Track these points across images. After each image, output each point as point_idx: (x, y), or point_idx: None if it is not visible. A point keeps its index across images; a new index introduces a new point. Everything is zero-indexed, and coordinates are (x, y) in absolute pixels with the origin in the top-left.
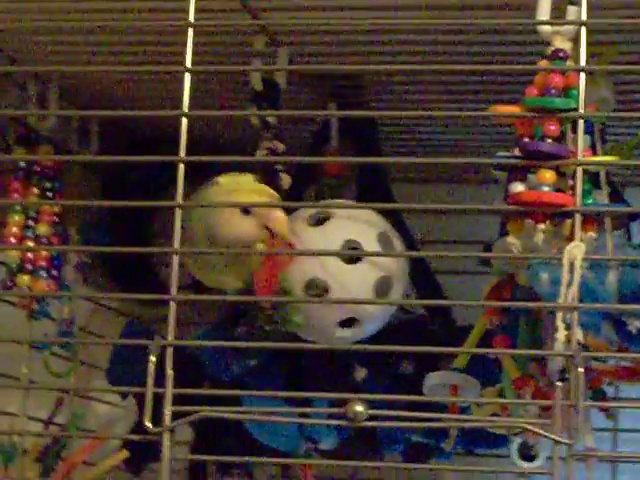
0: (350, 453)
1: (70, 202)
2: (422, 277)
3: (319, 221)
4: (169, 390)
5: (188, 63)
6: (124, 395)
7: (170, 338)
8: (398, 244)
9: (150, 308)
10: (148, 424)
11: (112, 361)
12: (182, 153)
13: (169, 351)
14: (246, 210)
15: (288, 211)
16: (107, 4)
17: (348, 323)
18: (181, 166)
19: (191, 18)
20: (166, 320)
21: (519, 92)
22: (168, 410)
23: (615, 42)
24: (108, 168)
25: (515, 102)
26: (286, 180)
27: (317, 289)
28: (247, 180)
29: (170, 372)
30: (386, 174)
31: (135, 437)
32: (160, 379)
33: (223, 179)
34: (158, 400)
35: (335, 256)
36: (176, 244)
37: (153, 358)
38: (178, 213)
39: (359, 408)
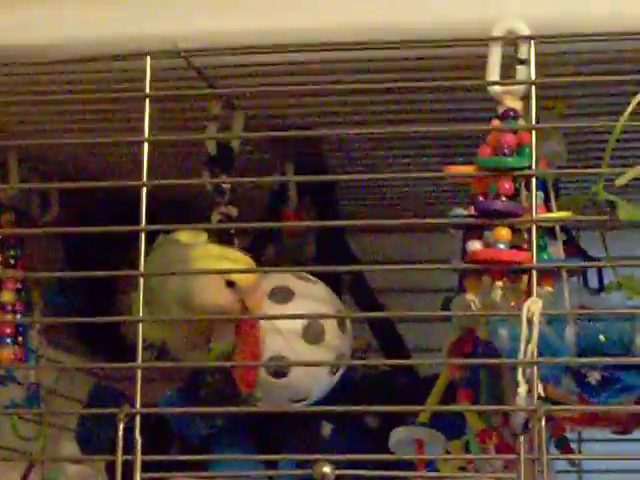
0: None
1: (38, 274)
2: (383, 330)
3: (280, 298)
4: (138, 457)
5: (146, 133)
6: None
7: (138, 406)
8: (349, 321)
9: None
10: None
11: (80, 423)
12: (143, 223)
13: (137, 420)
14: (231, 283)
15: None
16: (64, 76)
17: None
18: (142, 235)
19: (147, 89)
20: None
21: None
22: (138, 477)
23: (564, 96)
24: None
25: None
26: (236, 243)
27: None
28: (222, 248)
29: (139, 439)
30: (344, 231)
31: None
32: (130, 443)
33: (183, 237)
34: (128, 465)
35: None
36: (141, 313)
37: (121, 426)
38: (141, 282)
39: (326, 469)
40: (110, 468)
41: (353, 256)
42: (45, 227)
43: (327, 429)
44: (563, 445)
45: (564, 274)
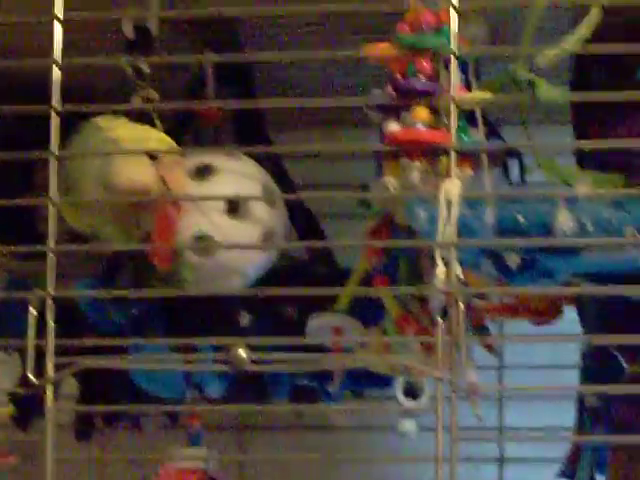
0: (237, 400)
1: None
2: (303, 221)
3: (203, 175)
4: (51, 342)
5: (58, 12)
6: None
7: (50, 290)
8: (279, 198)
9: (29, 262)
10: (31, 377)
11: None
12: (55, 103)
13: (49, 303)
14: (153, 156)
15: None
16: None
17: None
18: (55, 116)
19: None
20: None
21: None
22: (50, 362)
23: None
24: None
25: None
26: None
27: (204, 243)
28: (145, 129)
29: (51, 324)
30: (262, 120)
31: (18, 391)
32: (42, 332)
33: (103, 122)
34: (42, 354)
35: (222, 212)
36: (52, 194)
37: (33, 310)
38: (53, 164)
39: (242, 352)
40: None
41: (271, 145)
42: None
43: (245, 319)
44: (483, 336)
45: (485, 161)
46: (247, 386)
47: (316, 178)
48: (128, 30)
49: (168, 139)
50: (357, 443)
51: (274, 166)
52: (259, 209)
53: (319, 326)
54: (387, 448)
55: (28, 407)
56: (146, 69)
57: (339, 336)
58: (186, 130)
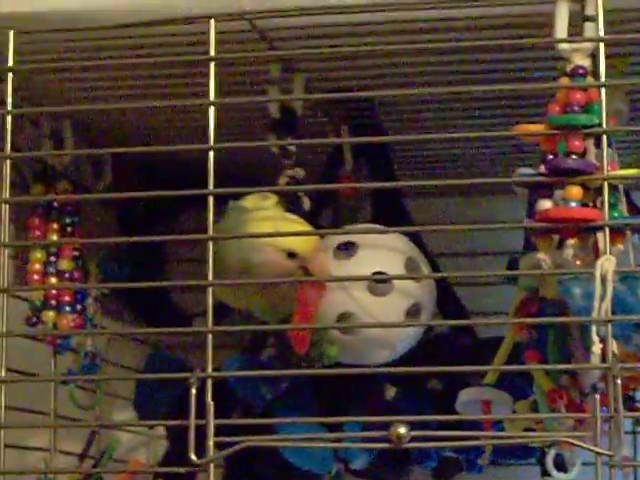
0: (379, 470)
1: (95, 240)
2: (442, 294)
3: (345, 252)
4: (211, 421)
5: (212, 96)
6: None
7: (209, 370)
8: (425, 267)
9: (169, 335)
10: (193, 456)
11: (138, 392)
12: (211, 186)
13: (208, 383)
14: (291, 254)
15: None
16: (124, 41)
17: None
18: (210, 198)
19: (212, 52)
20: (185, 347)
21: (529, 110)
22: (211, 441)
23: (627, 53)
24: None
25: (527, 120)
26: (307, 203)
27: (348, 322)
28: (280, 213)
29: (211, 403)
30: (400, 191)
31: (181, 469)
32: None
33: (249, 203)
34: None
35: (365, 290)
36: (210, 277)
37: (194, 391)
38: (210, 245)
39: (402, 430)
40: (173, 433)
41: (410, 219)
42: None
43: (391, 392)
44: (629, 405)
45: (628, 233)
46: (391, 458)
47: (453, 246)
48: (274, 111)
49: (301, 221)
50: None
51: (413, 240)
52: (402, 282)
53: (469, 400)
54: None
55: None
56: (292, 149)
57: (489, 410)
58: (325, 204)
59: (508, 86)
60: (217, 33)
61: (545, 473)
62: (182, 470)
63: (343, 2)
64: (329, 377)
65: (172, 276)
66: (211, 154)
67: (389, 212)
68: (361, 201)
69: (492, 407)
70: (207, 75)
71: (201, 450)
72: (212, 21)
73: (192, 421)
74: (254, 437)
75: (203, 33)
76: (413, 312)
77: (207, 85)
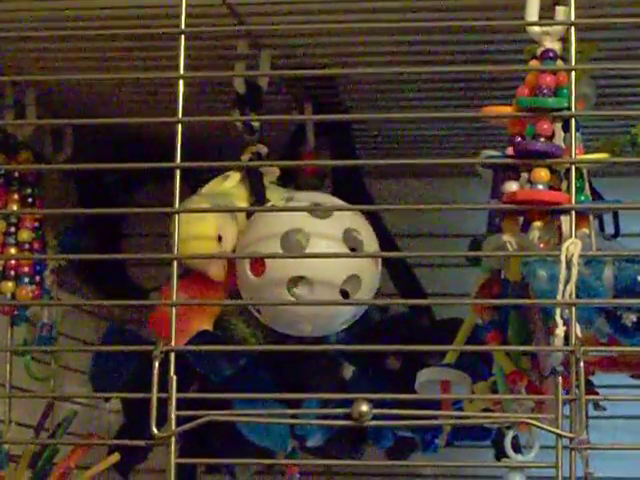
0: (334, 449)
1: (57, 210)
2: (399, 272)
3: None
4: (173, 395)
5: (181, 70)
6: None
7: (173, 343)
8: (368, 238)
9: (125, 309)
10: (154, 429)
11: (95, 365)
12: (178, 160)
13: (172, 356)
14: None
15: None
16: (94, 12)
17: None
18: (177, 172)
19: (183, 25)
20: (141, 322)
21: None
22: (173, 415)
23: (594, 39)
24: (84, 172)
25: (492, 102)
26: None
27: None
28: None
29: (173, 377)
30: (360, 170)
31: (140, 443)
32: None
33: (206, 189)
34: (147, 405)
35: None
36: (175, 250)
37: (157, 364)
38: (176, 219)
39: (364, 408)
40: (130, 407)
41: (371, 198)
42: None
43: (348, 371)
44: (588, 389)
45: (591, 217)
46: (346, 437)
47: (415, 227)
48: (240, 86)
49: None
50: None
51: (371, 217)
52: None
53: (428, 380)
54: None
55: (131, 455)
56: (256, 125)
57: (448, 390)
58: (286, 181)
59: (477, 68)
60: (187, 6)
61: (498, 455)
62: (142, 443)
63: None
64: (286, 355)
65: (127, 251)
66: (179, 127)
67: (349, 191)
68: (322, 180)
69: (451, 387)
70: (174, 49)
71: (160, 424)
72: None
73: (154, 394)
74: (216, 412)
75: (172, 7)
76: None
77: (174, 59)
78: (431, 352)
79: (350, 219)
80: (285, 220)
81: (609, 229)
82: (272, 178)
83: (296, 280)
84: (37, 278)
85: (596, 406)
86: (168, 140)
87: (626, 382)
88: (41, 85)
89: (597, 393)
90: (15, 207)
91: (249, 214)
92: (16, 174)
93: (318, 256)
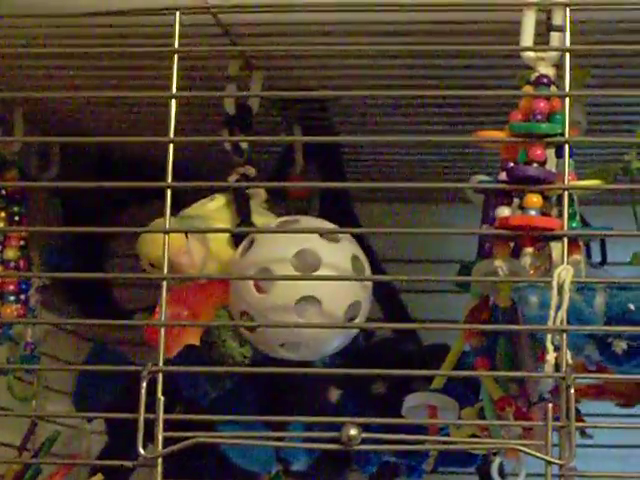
0: (318, 473)
1: (46, 229)
2: (387, 297)
3: None
4: (160, 416)
5: (174, 89)
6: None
7: (161, 364)
8: (366, 264)
9: (109, 330)
10: (141, 450)
11: (79, 385)
12: (169, 179)
13: (159, 377)
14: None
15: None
16: (87, 30)
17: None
18: (168, 191)
19: (176, 44)
20: (127, 343)
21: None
22: (160, 436)
23: (589, 66)
24: (70, 191)
25: (482, 127)
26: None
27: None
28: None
29: (161, 398)
30: (348, 194)
31: (128, 464)
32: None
33: (191, 210)
34: (131, 425)
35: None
36: (165, 270)
37: (144, 384)
38: (166, 239)
39: (353, 432)
40: (114, 428)
41: (358, 222)
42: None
43: (335, 394)
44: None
45: (581, 244)
46: (331, 461)
47: (402, 252)
48: (230, 107)
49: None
50: None
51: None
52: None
53: (415, 404)
54: None
55: (114, 476)
56: (244, 146)
57: (435, 415)
58: (272, 205)
59: (471, 92)
60: (180, 26)
61: None
62: (130, 464)
63: (306, 0)
64: (272, 377)
65: (110, 271)
66: (171, 147)
67: (337, 215)
68: (310, 203)
69: (438, 413)
70: (167, 68)
71: (145, 445)
72: (177, 13)
73: (142, 415)
74: (202, 434)
75: (166, 26)
76: (353, 309)
77: (161, 78)
78: (417, 377)
79: (354, 246)
80: (297, 240)
81: (595, 257)
82: (259, 202)
83: (305, 300)
84: (22, 297)
85: (582, 434)
86: (154, 160)
87: (609, 410)
88: (29, 103)
89: (584, 420)
90: (1, 225)
91: (236, 239)
92: (2, 192)
93: (326, 278)
